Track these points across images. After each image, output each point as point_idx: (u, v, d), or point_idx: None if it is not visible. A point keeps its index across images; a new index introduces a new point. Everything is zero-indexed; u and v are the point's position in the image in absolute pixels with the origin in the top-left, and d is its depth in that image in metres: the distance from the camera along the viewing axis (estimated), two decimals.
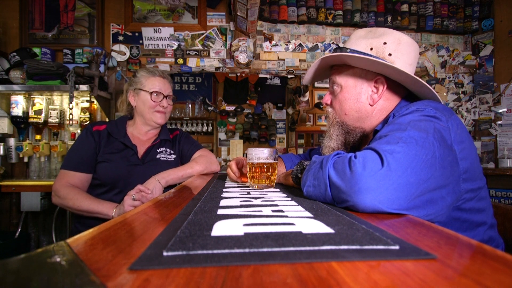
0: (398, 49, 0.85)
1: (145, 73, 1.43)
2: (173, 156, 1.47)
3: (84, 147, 1.33)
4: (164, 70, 2.78)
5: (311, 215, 0.51)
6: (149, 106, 1.39)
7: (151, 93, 1.38)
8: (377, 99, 0.88)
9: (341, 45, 0.96)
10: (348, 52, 0.86)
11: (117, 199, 1.30)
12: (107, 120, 2.68)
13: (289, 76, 4.49)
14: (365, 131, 0.94)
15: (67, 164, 1.32)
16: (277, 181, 1.00)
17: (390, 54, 0.85)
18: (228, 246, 0.34)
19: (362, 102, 0.89)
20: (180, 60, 2.78)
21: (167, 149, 1.46)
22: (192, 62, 2.80)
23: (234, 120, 4.71)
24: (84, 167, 1.31)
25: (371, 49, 0.86)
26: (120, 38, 2.77)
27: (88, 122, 2.60)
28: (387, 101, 0.89)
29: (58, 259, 0.32)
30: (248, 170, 0.91)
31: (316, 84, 4.93)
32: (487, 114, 2.97)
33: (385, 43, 0.85)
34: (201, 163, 1.42)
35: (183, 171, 1.34)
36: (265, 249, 0.33)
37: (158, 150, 1.43)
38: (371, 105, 0.89)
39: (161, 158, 1.42)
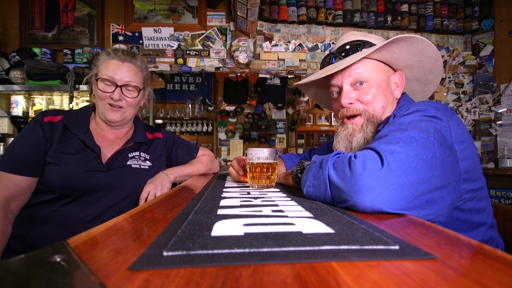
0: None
1: (104, 56, 1.13)
2: (148, 163, 1.19)
3: (29, 142, 1.01)
4: (164, 70, 2.78)
5: (311, 215, 0.51)
6: (99, 96, 1.10)
7: (97, 80, 1.09)
8: (399, 93, 0.93)
9: (342, 45, 0.96)
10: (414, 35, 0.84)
11: (67, 212, 1.02)
12: None
13: (289, 76, 4.49)
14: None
15: (4, 163, 0.98)
16: (277, 181, 1.00)
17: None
18: (228, 246, 0.34)
19: (391, 95, 0.91)
20: (180, 60, 2.78)
21: (141, 153, 1.19)
22: (192, 62, 2.80)
23: (234, 120, 4.71)
24: (26, 169, 0.98)
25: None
26: (120, 38, 2.78)
27: None
28: (398, 95, 0.93)
29: (58, 259, 0.32)
30: (248, 170, 0.91)
31: None
32: (487, 114, 2.98)
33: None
34: (206, 164, 1.39)
35: (190, 169, 1.31)
36: (265, 249, 0.33)
37: (130, 155, 1.15)
38: (396, 99, 0.93)
39: (133, 165, 1.14)
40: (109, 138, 1.16)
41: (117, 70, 1.10)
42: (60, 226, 1.01)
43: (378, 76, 0.88)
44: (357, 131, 0.88)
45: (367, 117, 0.87)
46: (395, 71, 0.94)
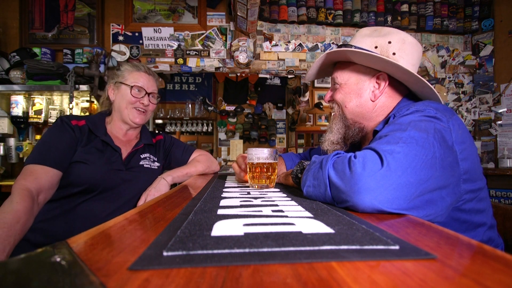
0: (402, 49, 0.86)
1: (129, 67, 1.29)
2: (157, 164, 1.33)
3: (62, 139, 1.09)
4: (164, 70, 2.79)
5: (311, 215, 0.51)
6: (128, 101, 1.23)
7: (132, 87, 1.24)
8: (379, 94, 0.89)
9: (345, 42, 0.97)
10: (352, 49, 0.86)
11: (87, 207, 1.10)
12: None
13: (289, 76, 4.49)
14: (365, 128, 0.94)
15: (38, 156, 1.03)
16: (277, 181, 1.00)
17: (394, 53, 0.85)
18: (228, 246, 0.34)
19: (364, 97, 0.90)
20: (180, 60, 2.78)
21: (151, 155, 1.33)
22: (192, 62, 2.80)
23: (234, 120, 4.71)
24: (60, 163, 1.05)
25: (376, 47, 0.87)
26: (120, 38, 2.78)
27: None
28: (389, 98, 0.90)
29: (58, 259, 0.32)
30: (248, 170, 0.91)
31: (316, 84, 4.93)
32: (487, 114, 2.98)
33: (389, 42, 0.86)
34: (203, 162, 1.41)
35: (188, 170, 1.33)
36: (265, 249, 0.33)
37: (142, 156, 1.29)
38: (373, 101, 0.90)
39: (145, 165, 1.28)
40: (122, 140, 1.28)
41: (146, 81, 1.29)
42: (79, 220, 1.08)
43: (352, 79, 0.92)
44: (329, 125, 1.01)
45: (337, 114, 0.97)
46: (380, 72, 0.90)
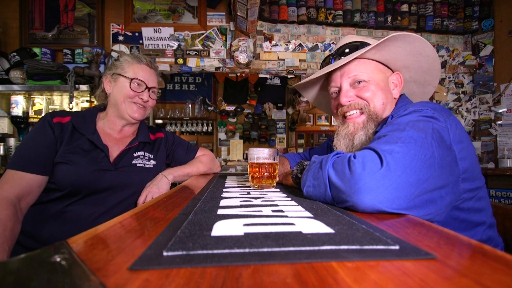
0: None
1: (130, 59, 1.20)
2: (153, 162, 1.24)
3: (40, 141, 1.04)
4: (164, 70, 2.79)
5: (311, 215, 0.51)
6: (126, 95, 1.15)
7: (131, 80, 1.15)
8: (397, 93, 0.94)
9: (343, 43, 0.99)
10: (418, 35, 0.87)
11: (75, 210, 1.05)
12: None
13: (289, 76, 4.49)
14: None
15: (15, 162, 1.01)
16: (277, 181, 1.00)
17: None
18: (228, 246, 0.34)
19: (389, 94, 0.93)
20: (180, 60, 2.78)
21: (146, 153, 1.24)
22: (192, 62, 2.80)
23: (234, 120, 4.71)
24: (38, 167, 1.01)
25: None
26: (120, 38, 2.78)
27: None
28: (397, 95, 0.94)
29: (58, 259, 0.32)
30: (248, 170, 0.91)
31: None
32: (487, 114, 2.98)
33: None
34: (205, 163, 1.39)
35: (190, 169, 1.30)
36: (265, 249, 0.33)
37: (135, 154, 1.20)
38: (395, 98, 0.94)
39: (138, 164, 1.19)
40: (115, 138, 1.20)
41: (148, 74, 1.20)
42: (68, 223, 1.04)
43: (376, 76, 0.91)
44: (359, 129, 0.91)
45: (368, 114, 0.90)
46: (393, 72, 0.96)
